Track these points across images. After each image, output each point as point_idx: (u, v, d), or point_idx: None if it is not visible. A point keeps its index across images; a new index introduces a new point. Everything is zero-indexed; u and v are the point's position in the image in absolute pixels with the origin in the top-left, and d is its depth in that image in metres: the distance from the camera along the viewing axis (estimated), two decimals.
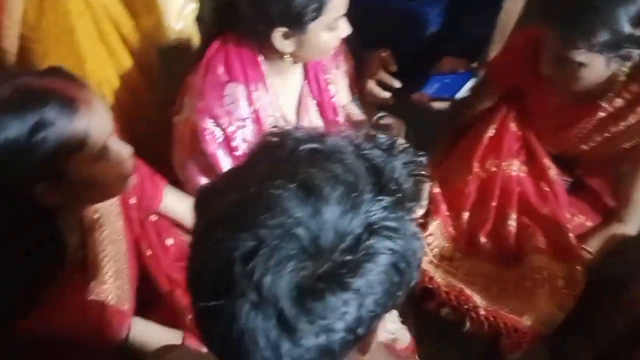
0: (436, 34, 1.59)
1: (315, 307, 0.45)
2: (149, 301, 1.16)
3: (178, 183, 1.36)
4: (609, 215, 1.39)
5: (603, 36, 1.04)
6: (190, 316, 1.10)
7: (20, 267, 0.86)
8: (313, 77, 1.38)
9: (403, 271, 0.50)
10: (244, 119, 1.28)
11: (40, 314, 0.90)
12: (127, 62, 1.46)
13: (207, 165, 1.30)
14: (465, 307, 1.29)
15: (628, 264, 1.37)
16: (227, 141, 1.27)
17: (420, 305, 1.38)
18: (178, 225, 1.25)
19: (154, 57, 1.58)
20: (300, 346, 0.46)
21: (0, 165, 0.80)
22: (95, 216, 1.01)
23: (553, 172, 1.40)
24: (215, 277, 0.47)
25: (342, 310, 0.46)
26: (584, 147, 1.34)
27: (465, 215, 1.39)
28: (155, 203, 1.18)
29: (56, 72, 0.89)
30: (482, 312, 1.27)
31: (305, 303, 0.45)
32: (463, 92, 1.35)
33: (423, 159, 0.57)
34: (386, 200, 0.50)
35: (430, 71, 1.46)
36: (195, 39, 1.64)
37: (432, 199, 1.41)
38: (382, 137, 0.55)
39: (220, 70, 1.26)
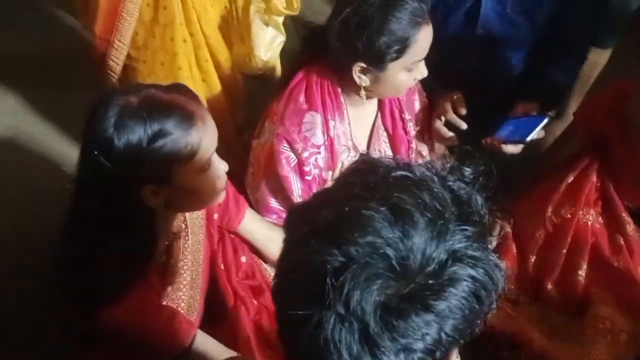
0: (517, 80, 1.59)
1: (399, 325, 0.47)
2: (213, 316, 1.21)
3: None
4: None
5: None
6: (247, 333, 1.14)
7: (114, 259, 0.94)
8: (388, 110, 1.43)
9: (483, 300, 0.52)
10: (318, 146, 1.34)
11: (120, 309, 0.98)
12: (217, 86, 1.59)
13: (278, 187, 1.37)
14: (521, 340, 1.27)
15: None
16: (300, 165, 1.34)
17: (478, 346, 1.35)
18: (252, 246, 1.31)
19: (240, 83, 1.70)
20: None
21: (119, 163, 0.91)
22: (183, 225, 1.10)
23: (630, 227, 1.36)
24: (306, 287, 0.50)
25: (423, 331, 0.48)
26: None
27: (532, 258, 1.37)
28: (236, 222, 1.25)
29: (180, 88, 1.01)
30: (536, 345, 1.25)
31: (389, 320, 0.47)
32: (535, 134, 1.33)
33: (501, 197, 0.59)
34: (470, 230, 0.52)
35: (505, 116, 1.46)
36: (278, 69, 1.75)
37: (502, 238, 1.40)
38: (467, 170, 0.58)
39: (301, 99, 1.34)
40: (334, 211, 0.52)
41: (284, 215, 1.39)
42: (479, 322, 0.53)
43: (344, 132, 1.37)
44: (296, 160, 1.34)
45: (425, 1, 1.20)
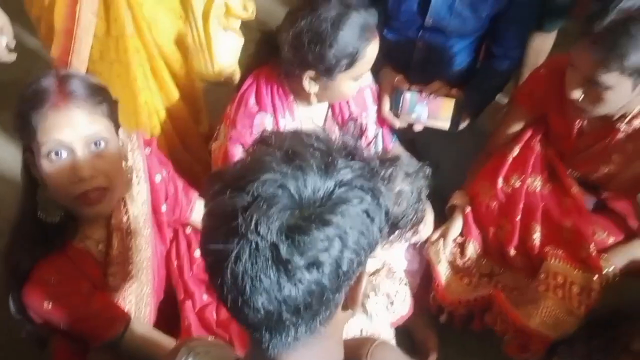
0: (462, 70, 1.66)
1: (303, 240, 0.55)
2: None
3: None
4: (633, 234, 1.39)
5: (637, 59, 1.11)
6: (188, 322, 1.20)
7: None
8: (337, 106, 1.49)
9: (374, 218, 0.61)
10: None
11: (42, 289, 1.01)
12: (175, 95, 1.63)
13: None
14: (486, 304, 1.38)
15: None
16: None
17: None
18: None
19: (199, 91, 1.75)
20: (295, 281, 0.55)
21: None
22: (125, 219, 1.12)
23: (575, 189, 1.43)
24: (223, 229, 0.57)
25: (326, 243, 0.56)
26: (605, 168, 1.37)
27: (492, 230, 1.45)
28: (187, 213, 1.28)
29: None
30: (499, 307, 1.34)
31: (294, 238, 0.55)
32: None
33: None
34: (356, 165, 0.61)
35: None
36: (238, 74, 1.80)
37: (464, 221, 1.48)
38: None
39: (251, 101, 1.40)
40: (240, 166, 0.61)
41: None
42: (374, 241, 0.62)
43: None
44: None
45: (374, 15, 1.28)
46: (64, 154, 0.98)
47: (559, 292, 1.32)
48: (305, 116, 1.45)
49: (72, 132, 0.97)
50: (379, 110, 1.54)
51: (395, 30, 1.59)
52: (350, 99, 1.48)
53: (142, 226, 1.13)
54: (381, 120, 1.55)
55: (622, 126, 1.28)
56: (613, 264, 1.33)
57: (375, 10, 1.31)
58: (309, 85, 1.33)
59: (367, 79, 1.37)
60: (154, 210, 1.18)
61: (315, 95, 1.37)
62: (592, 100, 1.22)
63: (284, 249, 0.55)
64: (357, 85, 1.37)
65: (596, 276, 1.31)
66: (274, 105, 1.40)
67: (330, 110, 1.50)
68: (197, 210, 1.29)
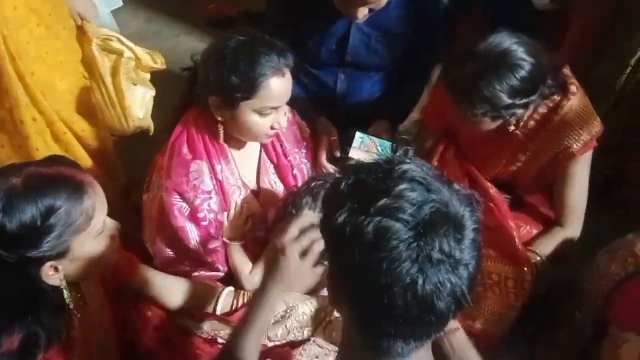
0: (378, 99, 1.80)
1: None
2: None
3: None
4: (551, 222, 1.55)
5: (483, 108, 1.26)
6: None
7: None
8: (270, 144, 1.51)
9: None
10: (208, 192, 1.39)
11: None
12: (83, 155, 1.60)
13: (174, 238, 1.39)
14: None
15: (575, 270, 1.51)
16: (194, 213, 1.38)
17: None
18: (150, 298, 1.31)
19: (110, 145, 1.71)
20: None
21: (14, 247, 0.89)
22: (79, 296, 1.08)
23: (493, 190, 1.57)
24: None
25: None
26: (513, 167, 1.53)
27: None
28: (130, 278, 1.25)
29: (59, 159, 1.01)
30: None
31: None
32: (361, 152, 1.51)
33: None
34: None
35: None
36: (151, 124, 1.77)
37: None
38: None
39: (184, 150, 1.38)
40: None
41: (186, 264, 1.43)
42: None
43: (231, 173, 1.43)
44: (189, 209, 1.37)
45: (286, 56, 1.29)
46: None
47: (496, 290, 1.43)
48: (240, 158, 1.45)
49: None
50: (315, 158, 1.59)
51: (319, 67, 1.69)
52: (282, 136, 1.52)
53: (94, 297, 1.09)
54: (315, 166, 1.61)
55: (517, 131, 1.42)
56: (540, 254, 1.47)
57: (291, 53, 1.32)
58: (216, 111, 1.32)
59: (282, 123, 1.35)
60: (101, 281, 1.14)
61: (225, 126, 1.35)
62: (467, 125, 1.38)
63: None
64: (265, 124, 1.32)
65: (526, 268, 1.44)
66: (207, 152, 1.39)
67: (263, 150, 1.52)
68: (139, 275, 1.26)
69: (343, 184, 0.74)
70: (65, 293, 1.00)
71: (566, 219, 1.50)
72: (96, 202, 0.98)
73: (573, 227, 1.50)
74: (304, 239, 1.01)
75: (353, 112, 1.77)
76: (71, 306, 1.02)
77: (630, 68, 1.79)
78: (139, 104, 1.64)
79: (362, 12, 1.48)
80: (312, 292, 1.41)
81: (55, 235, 0.91)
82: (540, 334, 1.49)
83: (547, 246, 1.50)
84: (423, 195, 0.68)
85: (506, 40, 1.24)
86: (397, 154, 0.75)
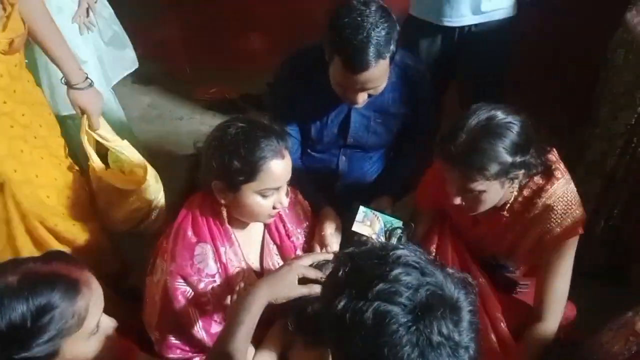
0: (378, 176, 1.86)
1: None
2: None
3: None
4: (531, 314, 1.51)
5: (494, 168, 1.29)
6: None
7: None
8: (273, 226, 1.53)
9: None
10: (213, 275, 1.39)
11: None
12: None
13: (177, 323, 1.37)
14: None
15: (583, 346, 1.44)
16: (198, 297, 1.37)
17: None
18: None
19: (101, 237, 1.73)
20: None
21: (2, 348, 0.86)
22: None
23: (481, 279, 1.55)
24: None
25: None
26: (503, 247, 1.53)
27: None
28: None
29: (59, 255, 1.00)
30: None
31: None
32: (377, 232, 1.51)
33: None
34: None
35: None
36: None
37: None
38: None
39: (189, 233, 1.39)
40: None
41: (187, 349, 1.41)
42: None
43: (235, 255, 1.43)
44: (192, 293, 1.37)
45: (285, 139, 1.34)
46: None
47: None
48: (243, 240, 1.47)
49: None
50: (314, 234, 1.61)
51: (320, 151, 1.76)
52: (284, 217, 1.54)
53: None
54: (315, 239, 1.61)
55: (504, 213, 1.45)
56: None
57: (289, 136, 1.38)
58: (219, 195, 1.35)
59: (283, 202, 1.38)
60: None
61: (227, 208, 1.38)
62: (470, 203, 1.39)
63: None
64: (267, 204, 1.35)
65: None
66: (212, 235, 1.41)
67: (266, 231, 1.54)
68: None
69: (341, 271, 0.76)
70: None
71: (545, 311, 1.47)
72: (90, 302, 0.95)
73: (552, 320, 1.47)
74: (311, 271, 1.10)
75: (354, 190, 1.82)
76: None
77: (619, 150, 1.87)
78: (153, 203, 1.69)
79: (362, 97, 1.56)
80: None
81: (46, 337, 0.88)
82: None
83: (531, 345, 1.47)
84: (418, 278, 0.71)
85: (487, 108, 1.31)
86: (391, 240, 0.79)
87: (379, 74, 1.50)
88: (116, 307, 1.49)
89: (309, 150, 1.78)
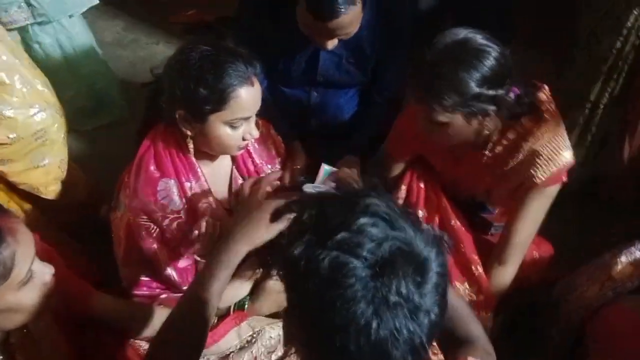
0: (350, 116, 1.75)
1: None
2: None
3: None
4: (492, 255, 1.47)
5: (452, 98, 1.16)
6: None
7: None
8: (241, 160, 1.47)
9: None
10: (178, 211, 1.34)
11: None
12: None
13: (144, 260, 1.34)
14: None
15: (557, 286, 1.47)
16: (163, 234, 1.32)
17: None
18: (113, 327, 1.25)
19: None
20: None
21: None
22: (24, 331, 1.00)
23: (455, 221, 1.51)
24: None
25: None
26: (481, 187, 1.47)
27: None
28: (87, 308, 1.18)
29: None
30: None
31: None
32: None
33: None
34: None
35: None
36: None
37: None
38: None
39: (152, 167, 1.32)
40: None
41: (154, 286, 1.38)
42: None
43: (201, 190, 1.38)
44: (157, 230, 1.32)
45: (253, 65, 1.23)
46: None
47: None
48: (210, 175, 1.40)
49: None
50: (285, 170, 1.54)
51: (290, 86, 1.64)
52: (254, 152, 1.47)
53: (43, 331, 1.02)
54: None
55: (486, 152, 1.37)
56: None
57: (257, 61, 1.26)
58: (184, 126, 1.26)
59: (253, 133, 1.29)
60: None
61: (195, 141, 1.30)
62: (439, 135, 1.29)
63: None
64: (237, 135, 1.27)
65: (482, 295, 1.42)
66: (175, 169, 1.33)
67: (234, 167, 1.47)
68: (94, 304, 1.20)
69: (305, 214, 0.70)
70: None
71: (506, 255, 1.41)
72: (17, 251, 0.87)
73: (511, 266, 1.42)
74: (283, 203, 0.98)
75: (331, 126, 1.73)
76: None
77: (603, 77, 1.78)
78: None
79: (332, 43, 1.45)
80: (278, 316, 1.37)
81: None
82: (522, 348, 1.46)
83: (493, 284, 1.45)
84: (385, 231, 0.64)
85: (464, 31, 1.19)
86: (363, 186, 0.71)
87: (349, 20, 1.37)
88: (73, 251, 1.45)
89: (279, 86, 1.67)
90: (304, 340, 0.69)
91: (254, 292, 1.40)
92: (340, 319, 0.62)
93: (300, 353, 0.74)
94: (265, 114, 1.37)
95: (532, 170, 1.31)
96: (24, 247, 0.89)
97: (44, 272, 0.95)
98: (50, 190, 1.50)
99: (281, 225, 1.01)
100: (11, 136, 1.34)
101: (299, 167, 1.56)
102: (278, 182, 1.22)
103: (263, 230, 0.99)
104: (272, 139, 1.55)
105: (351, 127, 1.72)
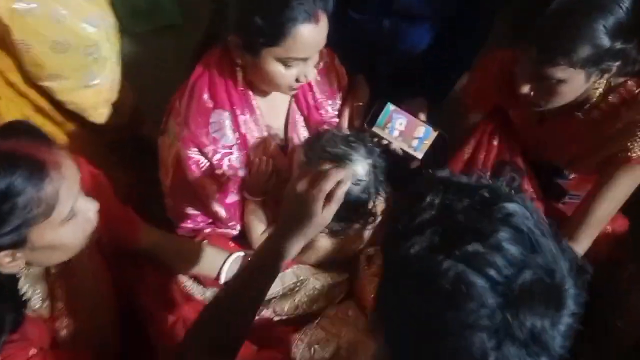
0: (423, 54, 1.53)
1: None
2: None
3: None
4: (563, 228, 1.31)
5: (584, 52, 1.00)
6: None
7: None
8: (301, 94, 1.33)
9: None
10: (230, 146, 1.25)
11: None
12: None
13: (191, 191, 1.28)
14: None
15: (629, 270, 1.35)
16: (213, 169, 1.25)
17: None
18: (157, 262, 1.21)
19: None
20: None
21: None
22: (65, 262, 0.96)
23: (526, 186, 1.37)
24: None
25: None
26: (567, 154, 1.32)
27: None
28: (133, 242, 1.15)
29: (19, 128, 0.83)
30: None
31: None
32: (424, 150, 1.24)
33: None
34: None
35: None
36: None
37: None
38: None
39: (205, 96, 1.22)
40: None
41: (199, 220, 1.33)
42: None
43: (256, 125, 1.27)
44: (207, 164, 1.24)
45: (327, 1, 1.06)
46: None
47: None
48: (265, 107, 1.29)
49: None
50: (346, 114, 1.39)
51: (360, 11, 1.44)
52: (315, 85, 1.34)
53: (84, 265, 0.99)
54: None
55: (579, 115, 1.21)
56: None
57: None
58: (236, 53, 1.13)
59: (309, 74, 1.15)
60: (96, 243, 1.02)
61: (245, 72, 1.17)
62: (544, 94, 1.13)
63: None
64: (290, 75, 1.13)
65: None
66: (230, 99, 1.23)
67: (293, 100, 1.34)
68: (142, 238, 1.15)
69: (427, 199, 0.58)
70: (21, 283, 0.89)
71: (578, 232, 1.24)
72: (61, 187, 0.81)
73: (581, 244, 1.25)
74: (328, 183, 0.85)
75: (394, 66, 1.54)
76: (27, 296, 0.91)
77: None
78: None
79: None
80: (323, 267, 1.31)
81: (8, 228, 0.77)
82: (582, 341, 1.37)
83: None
84: (525, 254, 0.53)
85: None
86: (502, 183, 0.58)
87: None
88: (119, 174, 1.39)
89: (349, 11, 1.45)
90: (393, 345, 0.61)
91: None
92: (451, 343, 0.53)
93: (380, 349, 0.65)
94: (328, 42, 1.18)
95: (628, 143, 1.15)
96: (68, 183, 0.83)
97: (88, 209, 0.89)
98: (99, 112, 1.41)
99: (334, 208, 0.87)
100: (60, 40, 1.24)
101: (361, 104, 1.41)
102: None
103: (320, 222, 0.86)
104: (336, 70, 1.39)
105: (421, 67, 1.54)
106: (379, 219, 1.33)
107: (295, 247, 0.86)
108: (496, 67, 1.30)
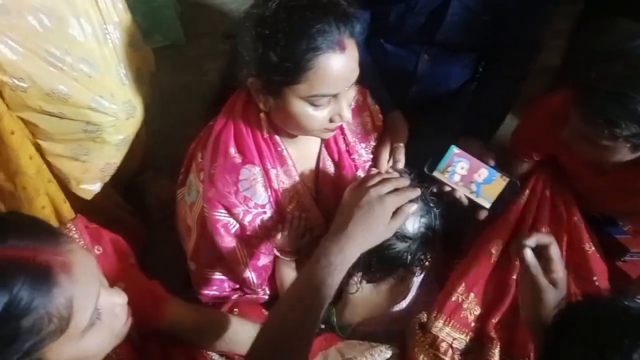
0: (463, 85, 1.43)
1: None
2: None
3: None
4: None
5: (628, 129, 0.94)
6: None
7: None
8: (332, 138, 1.18)
9: None
10: (263, 205, 1.11)
11: None
12: None
13: (218, 255, 1.13)
14: None
15: None
16: (243, 231, 1.10)
17: None
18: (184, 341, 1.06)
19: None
20: None
21: None
22: None
23: (587, 246, 1.25)
24: None
25: None
26: (625, 208, 1.22)
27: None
28: (158, 320, 1.00)
29: (16, 226, 0.67)
30: None
31: None
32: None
33: None
34: None
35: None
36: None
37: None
38: None
39: (232, 150, 1.07)
40: None
41: (225, 286, 1.19)
42: None
43: (289, 177, 1.13)
44: (237, 226, 1.10)
45: (352, 22, 0.91)
46: None
47: None
48: (296, 155, 1.14)
49: None
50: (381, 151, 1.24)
51: (397, 44, 1.32)
52: (346, 128, 1.19)
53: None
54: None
55: None
56: None
57: (361, 16, 0.95)
58: (257, 97, 0.98)
59: (344, 116, 0.99)
60: None
61: (269, 116, 1.03)
62: (589, 154, 1.07)
63: None
64: (321, 116, 0.97)
65: None
66: (259, 152, 1.08)
67: (323, 146, 1.19)
68: (168, 315, 1.01)
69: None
70: None
71: None
72: (74, 293, 0.65)
73: None
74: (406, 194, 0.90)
75: (426, 98, 1.41)
76: None
77: None
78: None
79: None
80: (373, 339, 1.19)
81: (12, 355, 0.61)
82: None
83: None
84: None
85: None
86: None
87: None
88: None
89: (381, 41, 1.33)
90: None
91: (338, 303, 1.22)
92: None
93: None
94: (362, 78, 1.01)
95: None
96: (83, 285, 0.67)
97: (114, 305, 0.74)
98: (81, 188, 1.25)
99: (399, 223, 0.90)
100: (55, 112, 1.09)
101: (402, 144, 1.22)
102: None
103: (384, 230, 0.88)
104: (369, 109, 1.24)
105: (455, 100, 1.41)
106: (421, 275, 1.22)
107: (357, 251, 0.86)
108: (548, 112, 1.19)
